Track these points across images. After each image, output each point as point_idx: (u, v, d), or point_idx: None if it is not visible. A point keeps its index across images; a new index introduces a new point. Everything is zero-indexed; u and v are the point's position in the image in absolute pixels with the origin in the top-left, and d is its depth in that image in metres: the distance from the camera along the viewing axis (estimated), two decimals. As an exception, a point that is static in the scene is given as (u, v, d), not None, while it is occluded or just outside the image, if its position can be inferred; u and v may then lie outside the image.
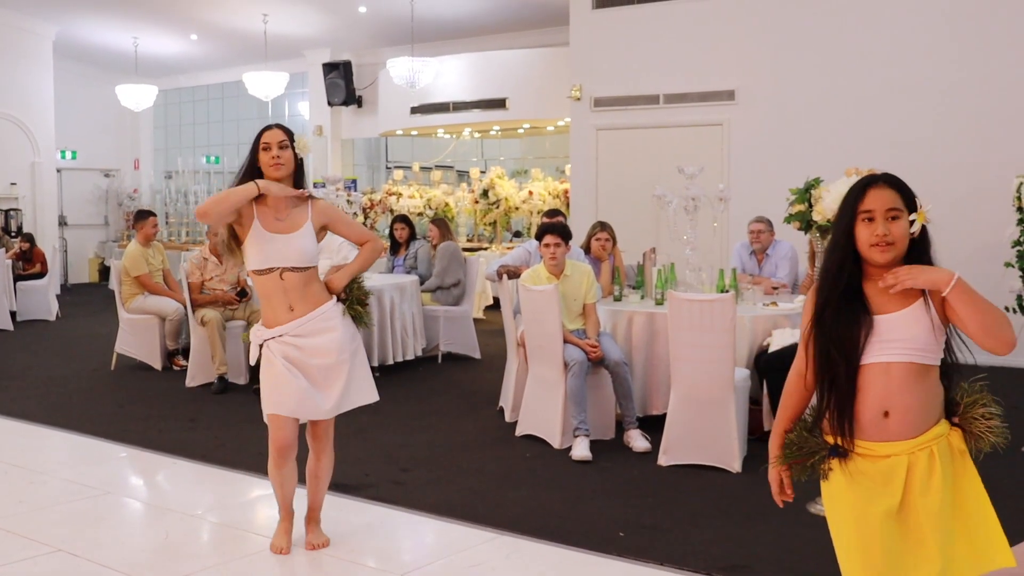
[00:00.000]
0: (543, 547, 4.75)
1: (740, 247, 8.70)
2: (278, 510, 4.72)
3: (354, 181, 16.81)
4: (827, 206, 4.95)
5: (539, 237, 6.95)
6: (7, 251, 13.68)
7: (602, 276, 7.77)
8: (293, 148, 4.42)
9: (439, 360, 9.97)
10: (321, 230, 4.46)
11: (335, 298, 4.50)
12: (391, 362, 9.32)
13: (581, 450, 6.28)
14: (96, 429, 7.20)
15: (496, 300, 11.68)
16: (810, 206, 5.15)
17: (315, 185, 14.02)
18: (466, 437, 7.00)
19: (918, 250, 2.76)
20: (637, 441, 6.50)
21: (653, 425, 6.59)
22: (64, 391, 8.74)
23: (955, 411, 2.80)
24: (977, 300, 2.65)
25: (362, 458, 6.39)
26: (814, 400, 2.90)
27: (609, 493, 5.64)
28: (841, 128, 10.47)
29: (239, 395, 8.40)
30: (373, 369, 8.92)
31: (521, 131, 16.49)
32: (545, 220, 8.08)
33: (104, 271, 18.79)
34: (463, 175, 18.03)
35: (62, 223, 18.56)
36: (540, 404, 6.75)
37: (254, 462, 6.25)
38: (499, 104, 14.64)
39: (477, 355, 10.15)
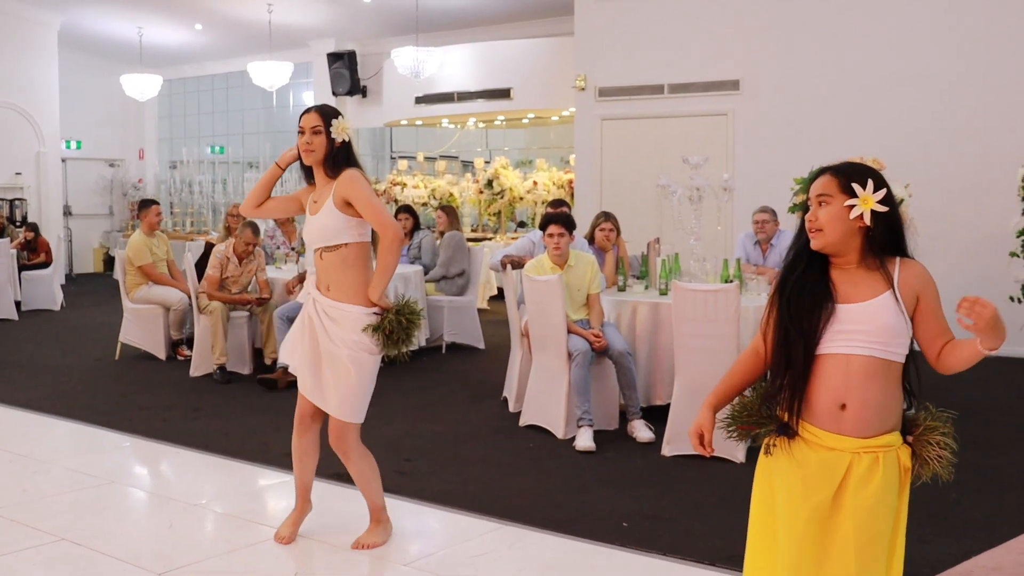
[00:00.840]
0: (547, 537, 4.75)
1: (744, 237, 8.69)
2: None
3: (359, 171, 16.75)
4: (832, 196, 4.93)
5: (543, 227, 6.93)
6: (12, 241, 13.69)
7: (606, 266, 7.75)
8: (328, 131, 4.34)
9: (443, 350, 9.97)
10: (345, 206, 4.31)
11: (372, 309, 4.36)
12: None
13: (585, 440, 6.28)
14: (100, 419, 7.21)
15: (500, 290, 11.69)
16: (815, 196, 5.12)
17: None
18: (470, 427, 7.00)
19: (873, 238, 2.70)
20: (641, 431, 6.50)
21: (657, 415, 6.58)
22: (68, 381, 8.75)
23: (912, 430, 2.74)
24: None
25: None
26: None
27: (612, 483, 5.64)
28: (845, 118, 10.45)
29: (243, 385, 8.41)
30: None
31: (526, 121, 16.46)
32: (549, 210, 8.07)
33: (109, 261, 18.81)
34: (467, 165, 18.01)
35: (67, 213, 18.57)
36: (544, 394, 6.75)
37: (258, 452, 6.26)
38: (504, 94, 14.62)
39: (481, 345, 10.15)
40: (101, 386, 8.56)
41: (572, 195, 13.68)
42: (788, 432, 2.75)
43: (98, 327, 11.79)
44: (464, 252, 10.21)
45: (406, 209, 10.78)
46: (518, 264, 7.71)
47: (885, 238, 2.70)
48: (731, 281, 6.80)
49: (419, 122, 16.67)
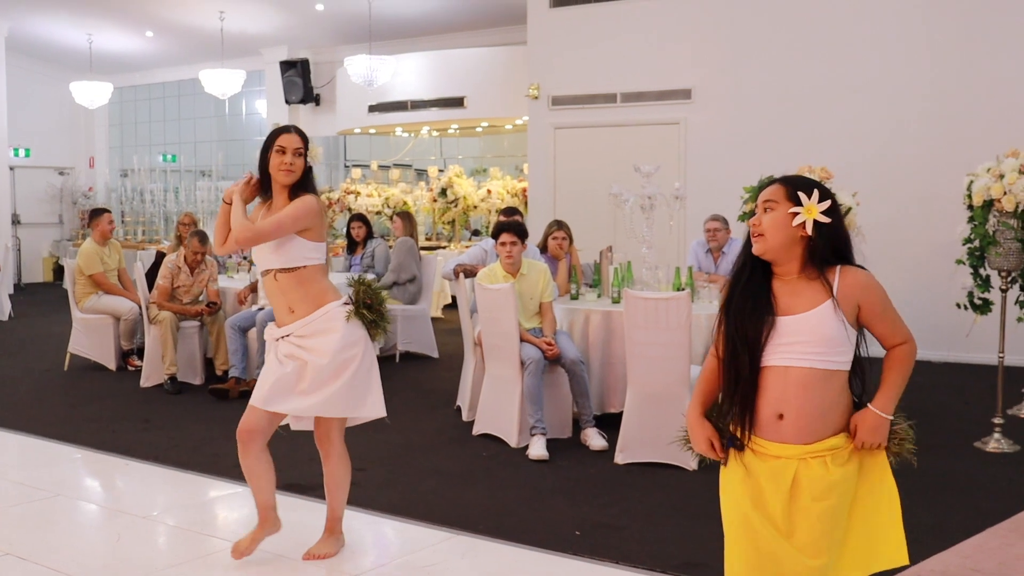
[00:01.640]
0: (499, 546, 4.75)
1: (696, 245, 8.74)
2: None
3: (312, 180, 16.69)
4: (781, 205, 4.97)
5: (495, 236, 6.94)
6: (-42, 250, 13.49)
7: (559, 275, 7.76)
8: (305, 156, 4.35)
9: (397, 359, 9.94)
10: (306, 230, 4.31)
11: (342, 299, 4.41)
12: (348, 361, 9.26)
13: (538, 449, 6.28)
14: (48, 430, 7.12)
15: (455, 299, 11.67)
16: (764, 205, 5.16)
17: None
18: (423, 437, 6.98)
19: (815, 248, 2.73)
20: (594, 439, 6.51)
21: (611, 423, 6.60)
22: (15, 392, 8.63)
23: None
24: (900, 392, 2.77)
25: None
26: None
27: (566, 492, 5.64)
28: (796, 128, 10.55)
29: (194, 396, 8.33)
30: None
31: (479, 130, 16.47)
32: (502, 218, 8.07)
33: (58, 270, 18.57)
34: (421, 174, 17.99)
35: (15, 222, 18.31)
36: (497, 403, 6.75)
37: (209, 463, 6.21)
38: (457, 103, 14.62)
39: (435, 354, 10.13)
40: (49, 397, 8.45)
41: (526, 203, 13.71)
42: (737, 445, 2.79)
43: (47, 337, 11.64)
44: (415, 258, 10.17)
45: (359, 218, 10.76)
46: (471, 272, 7.70)
47: (826, 250, 2.73)
48: (683, 289, 6.84)
49: (372, 130, 16.63)
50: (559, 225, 8.01)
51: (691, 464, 5.94)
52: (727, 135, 11.03)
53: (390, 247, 10.35)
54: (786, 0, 10.76)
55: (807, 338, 2.68)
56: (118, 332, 9.50)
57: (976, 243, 6.52)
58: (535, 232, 9.46)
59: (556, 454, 6.30)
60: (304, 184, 4.37)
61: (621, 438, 6.18)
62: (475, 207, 15.11)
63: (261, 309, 8.48)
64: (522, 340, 6.59)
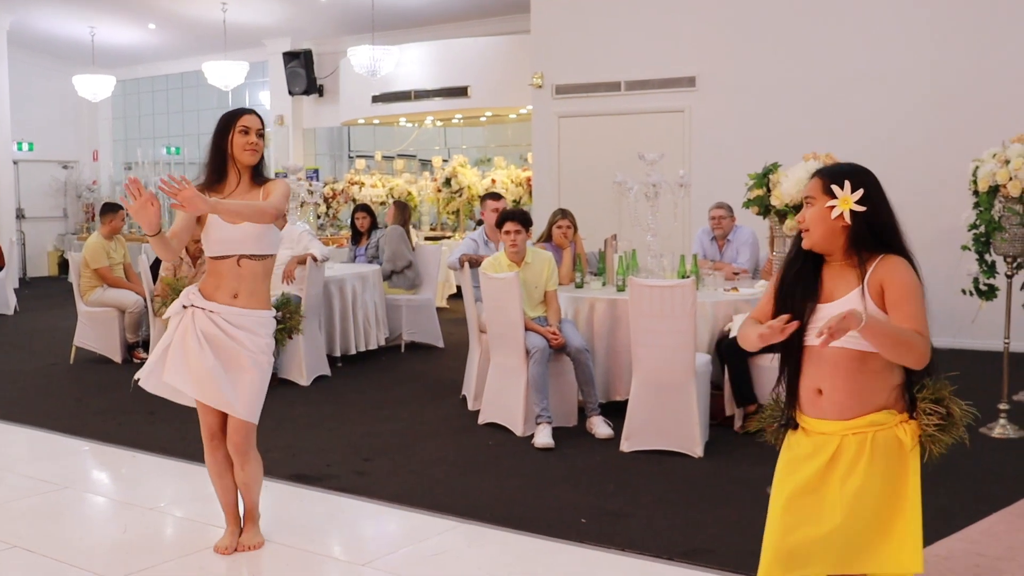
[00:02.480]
0: (505, 534, 4.75)
1: (701, 233, 8.73)
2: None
3: (316, 171, 16.74)
4: (785, 191, 4.97)
5: (499, 225, 6.93)
6: (-37, 245, 13.51)
7: (563, 263, 7.75)
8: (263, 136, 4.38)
9: (402, 349, 9.95)
10: (280, 217, 4.31)
11: (273, 312, 4.42)
12: (354, 352, 9.29)
13: (543, 437, 6.28)
14: (54, 423, 7.13)
15: (459, 288, 11.67)
16: (768, 191, 5.16)
17: (276, 175, 13.97)
18: (429, 426, 6.98)
19: (853, 236, 2.84)
20: (599, 428, 6.51)
21: (617, 411, 6.60)
22: (22, 386, 8.64)
23: (914, 407, 2.89)
24: (887, 335, 2.71)
25: (324, 448, 6.36)
26: None
27: (571, 480, 5.65)
28: (800, 114, 10.52)
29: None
30: (335, 359, 8.96)
31: (483, 119, 16.45)
32: (489, 203, 8.08)
33: (63, 264, 18.58)
34: (426, 164, 17.97)
35: (20, 216, 18.33)
36: (502, 392, 6.75)
37: (215, 454, 6.21)
38: (461, 92, 14.60)
39: (440, 344, 10.13)
40: (56, 390, 8.47)
41: (530, 192, 13.70)
42: (789, 424, 2.96)
43: (52, 331, 11.65)
44: (406, 245, 10.15)
45: (364, 208, 10.74)
46: (476, 262, 7.70)
47: (867, 236, 2.83)
48: (688, 277, 6.83)
49: (376, 121, 16.61)
50: (564, 214, 8.00)
51: (697, 451, 5.95)
52: (731, 122, 11.00)
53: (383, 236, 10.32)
54: (789, -14, 10.73)
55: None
56: (123, 325, 9.51)
57: (981, 229, 6.50)
58: (539, 221, 9.47)
59: (562, 442, 6.30)
60: (262, 167, 4.39)
61: (627, 426, 6.18)
62: (479, 197, 15.08)
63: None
64: (527, 329, 6.58)
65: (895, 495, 2.82)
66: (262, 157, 4.40)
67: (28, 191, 18.91)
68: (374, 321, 9.55)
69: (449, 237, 14.59)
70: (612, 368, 7.03)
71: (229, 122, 4.32)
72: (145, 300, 9.09)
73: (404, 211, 10.49)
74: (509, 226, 6.77)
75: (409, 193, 15.63)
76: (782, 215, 5.04)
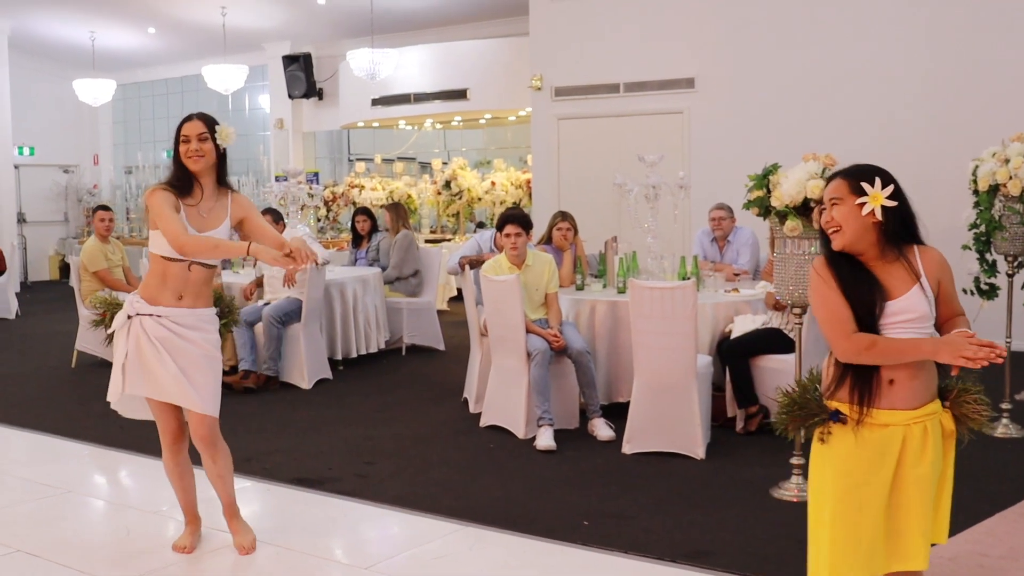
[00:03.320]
0: (508, 537, 4.75)
1: (701, 234, 8.73)
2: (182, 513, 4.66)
3: (316, 174, 16.73)
4: (785, 191, 4.96)
5: (500, 227, 6.93)
6: (-36, 249, 13.51)
7: (564, 266, 7.75)
8: (214, 139, 4.31)
9: (403, 352, 9.95)
10: (238, 224, 4.37)
11: (215, 309, 4.46)
12: (355, 355, 9.29)
13: (545, 440, 6.28)
14: (56, 427, 7.13)
15: (460, 291, 11.67)
16: (768, 192, 5.15)
17: (276, 179, 13.98)
18: (430, 429, 6.98)
19: (888, 231, 2.95)
20: (601, 430, 6.51)
21: (619, 413, 6.60)
22: (24, 389, 8.65)
23: (947, 396, 3.03)
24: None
25: (325, 451, 6.36)
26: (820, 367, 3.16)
27: (573, 482, 5.64)
28: (799, 115, 10.53)
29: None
30: (337, 362, 8.97)
31: (483, 121, 16.46)
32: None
33: (64, 268, 18.56)
34: (425, 166, 17.97)
35: (21, 220, 18.32)
36: (504, 394, 6.75)
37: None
38: (460, 95, 14.61)
39: (441, 346, 10.13)
40: (58, 394, 8.47)
41: (530, 195, 13.70)
42: (840, 419, 2.97)
43: (54, 335, 11.65)
44: (416, 252, 10.17)
45: (364, 211, 10.74)
46: (477, 263, 7.70)
47: (899, 229, 2.96)
48: (688, 278, 6.83)
49: (376, 124, 16.63)
50: (564, 216, 8.01)
51: (699, 453, 5.95)
52: (730, 123, 11.01)
53: (392, 241, 10.28)
54: (788, -13, 10.73)
55: (909, 316, 2.91)
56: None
57: (982, 228, 6.50)
58: (539, 224, 9.47)
59: (563, 445, 6.30)
60: (223, 168, 4.39)
61: (628, 428, 6.18)
62: (479, 199, 15.09)
63: (267, 304, 8.50)
64: (528, 331, 6.58)
65: (943, 477, 3.04)
66: (218, 160, 4.36)
67: (29, 195, 18.89)
68: (375, 324, 9.56)
69: (449, 240, 14.59)
70: (613, 370, 7.03)
71: (176, 133, 4.36)
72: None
73: (402, 212, 10.43)
74: (509, 228, 6.77)
75: (409, 196, 15.63)
76: (782, 216, 5.03)
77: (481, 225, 15.90)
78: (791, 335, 6.34)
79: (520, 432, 6.56)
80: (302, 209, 10.29)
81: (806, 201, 4.90)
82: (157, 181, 4.41)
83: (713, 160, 10.93)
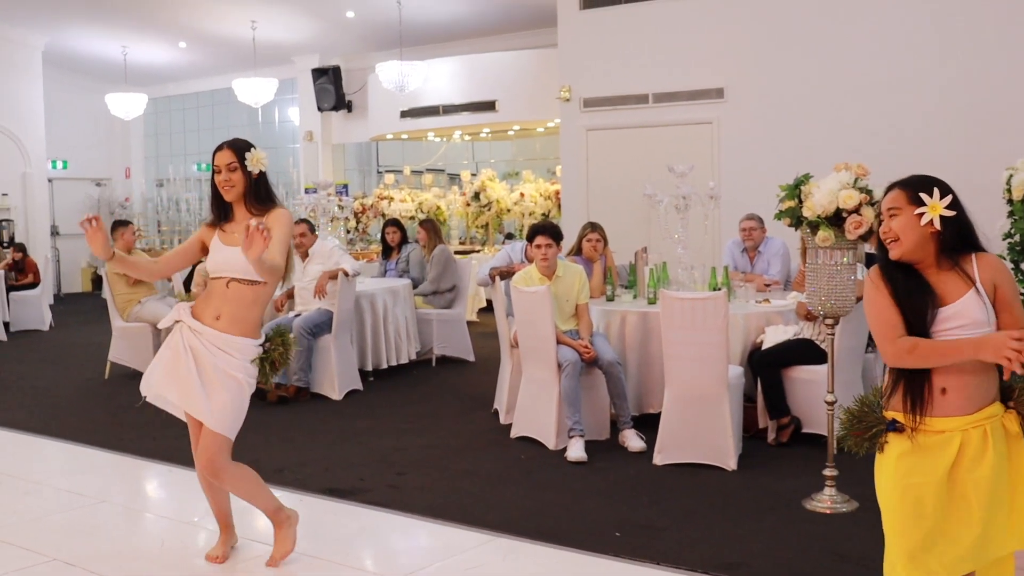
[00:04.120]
0: (539, 548, 4.75)
1: (732, 244, 8.70)
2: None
3: (345, 186, 16.79)
4: (817, 202, 4.95)
5: (530, 238, 6.94)
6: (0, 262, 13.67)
7: (594, 277, 7.75)
8: (243, 166, 4.33)
9: (433, 363, 9.97)
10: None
11: (260, 340, 4.43)
12: (385, 366, 9.31)
13: (576, 451, 6.28)
14: (90, 438, 7.19)
15: (490, 302, 11.68)
16: (800, 202, 5.14)
17: (306, 191, 14.05)
18: (461, 440, 6.99)
19: (945, 240, 2.98)
20: (632, 441, 6.50)
21: (649, 424, 6.58)
22: (58, 400, 8.72)
23: (1010, 396, 2.99)
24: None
25: (357, 462, 6.38)
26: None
27: (605, 493, 5.64)
28: (830, 124, 10.48)
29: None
30: (367, 373, 8.99)
31: (511, 133, 16.49)
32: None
33: (97, 280, 18.73)
34: (454, 178, 18.03)
35: (54, 233, 18.52)
36: (534, 406, 6.75)
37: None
38: (489, 106, 14.65)
39: (471, 358, 10.14)
40: (92, 405, 8.54)
41: (559, 206, 13.70)
42: (896, 428, 2.98)
43: (87, 346, 11.76)
44: (454, 267, 10.20)
45: (394, 223, 10.78)
46: (507, 274, 7.71)
47: (956, 239, 2.99)
48: (719, 289, 6.82)
49: (405, 136, 16.69)
50: (593, 227, 8.01)
51: (730, 464, 5.93)
52: (760, 134, 10.97)
53: (423, 254, 10.31)
54: (818, -3, 10.71)
55: (963, 322, 2.90)
56: (158, 341, 9.56)
57: (1016, 238, 6.44)
58: (568, 235, 9.46)
59: (594, 456, 6.30)
60: (259, 193, 4.39)
61: (659, 439, 6.16)
62: (508, 210, 15.11)
63: (298, 315, 8.54)
64: (559, 342, 6.59)
65: (1017, 479, 2.97)
66: (251, 185, 4.37)
67: (62, 208, 19.07)
68: (405, 335, 9.58)
69: (478, 251, 14.62)
70: (644, 381, 7.02)
71: (212, 163, 4.43)
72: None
73: (437, 228, 10.49)
74: (540, 240, 6.78)
75: (438, 207, 15.68)
76: (814, 226, 5.01)
77: (510, 236, 15.92)
78: (823, 346, 6.32)
79: (551, 443, 6.56)
80: (332, 221, 10.35)
81: (838, 211, 4.89)
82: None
83: (743, 170, 10.90)
